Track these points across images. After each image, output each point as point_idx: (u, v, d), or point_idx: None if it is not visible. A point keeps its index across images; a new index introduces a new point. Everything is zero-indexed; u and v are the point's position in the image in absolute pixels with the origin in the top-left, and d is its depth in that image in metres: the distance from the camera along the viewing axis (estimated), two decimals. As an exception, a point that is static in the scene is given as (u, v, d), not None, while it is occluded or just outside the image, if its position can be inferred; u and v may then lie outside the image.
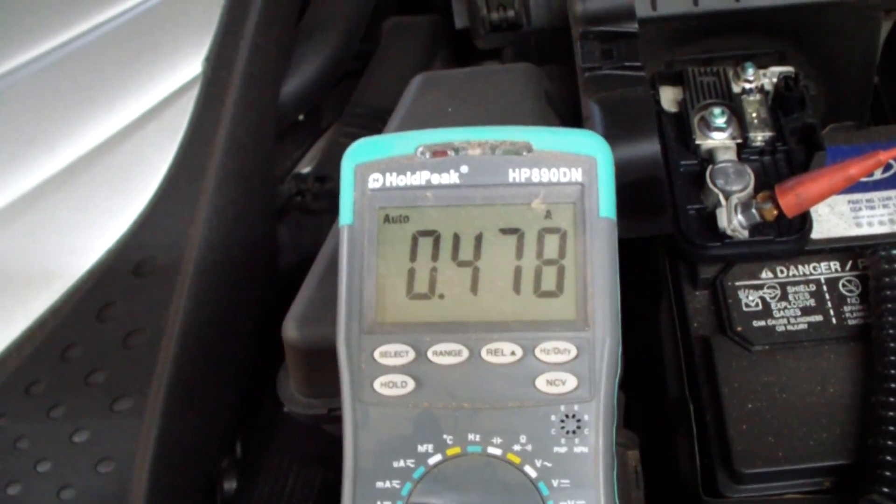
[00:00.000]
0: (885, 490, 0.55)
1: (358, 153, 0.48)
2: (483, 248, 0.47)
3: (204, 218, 0.65)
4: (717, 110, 0.68)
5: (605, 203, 0.46)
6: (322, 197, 0.83)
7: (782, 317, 0.64)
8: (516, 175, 0.46)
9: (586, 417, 0.44)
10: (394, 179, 0.47)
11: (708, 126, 0.68)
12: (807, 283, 0.65)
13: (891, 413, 0.57)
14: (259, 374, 0.73)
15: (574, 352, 0.45)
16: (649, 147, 0.61)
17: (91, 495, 0.59)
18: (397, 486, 0.45)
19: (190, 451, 0.65)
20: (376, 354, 0.46)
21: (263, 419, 0.77)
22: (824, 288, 0.65)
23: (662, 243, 0.70)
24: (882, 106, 0.93)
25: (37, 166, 0.67)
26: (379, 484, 0.45)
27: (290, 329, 0.59)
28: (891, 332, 0.60)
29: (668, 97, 0.72)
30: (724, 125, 0.67)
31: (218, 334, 0.66)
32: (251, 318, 0.72)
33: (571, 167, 0.46)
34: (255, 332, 0.73)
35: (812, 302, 0.64)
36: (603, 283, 0.45)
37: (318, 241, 0.65)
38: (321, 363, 0.57)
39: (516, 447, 0.44)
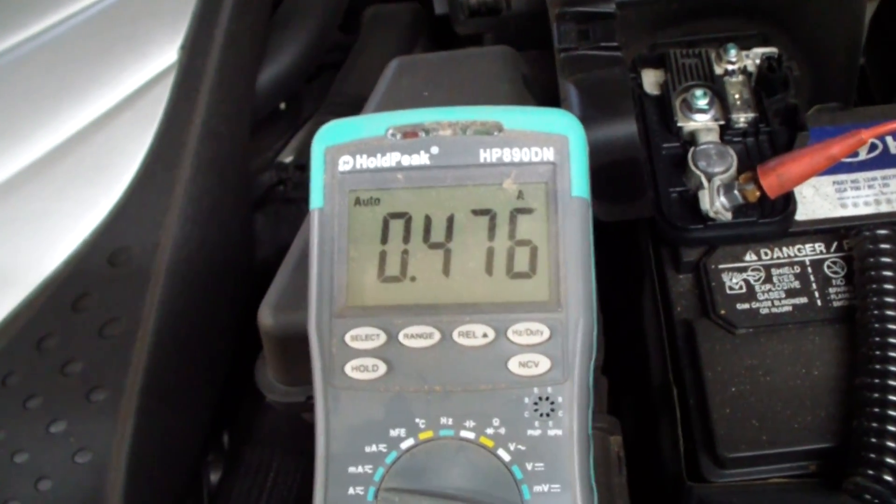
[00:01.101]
0: (870, 472, 0.54)
1: (328, 136, 0.47)
2: (455, 229, 0.46)
3: (179, 207, 0.65)
4: (699, 92, 0.67)
5: (578, 182, 0.45)
6: (302, 186, 0.83)
7: (766, 299, 0.63)
8: (487, 155, 0.46)
9: (560, 400, 0.44)
10: (364, 161, 0.47)
11: (690, 108, 0.67)
12: (791, 265, 0.65)
13: (875, 395, 0.56)
14: (241, 365, 0.72)
15: (547, 333, 0.44)
16: (626, 128, 0.61)
17: (69, 486, 0.59)
18: (370, 471, 0.45)
19: (168, 441, 0.65)
20: (347, 338, 0.45)
21: (246, 410, 0.77)
22: (809, 270, 0.64)
23: (645, 226, 0.70)
24: (869, 87, 0.93)
25: (10, 157, 0.67)
26: (351, 469, 0.45)
27: (266, 316, 0.59)
28: (875, 313, 0.59)
29: (651, 80, 0.71)
30: (706, 107, 0.67)
31: (195, 324, 0.66)
32: (228, 308, 0.72)
33: (543, 146, 0.46)
34: (233, 321, 0.72)
35: (797, 284, 0.64)
36: (576, 263, 0.45)
37: (298, 230, 0.65)
38: (297, 350, 0.55)
39: (489, 430, 0.44)
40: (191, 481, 0.71)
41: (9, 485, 0.59)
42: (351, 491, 0.44)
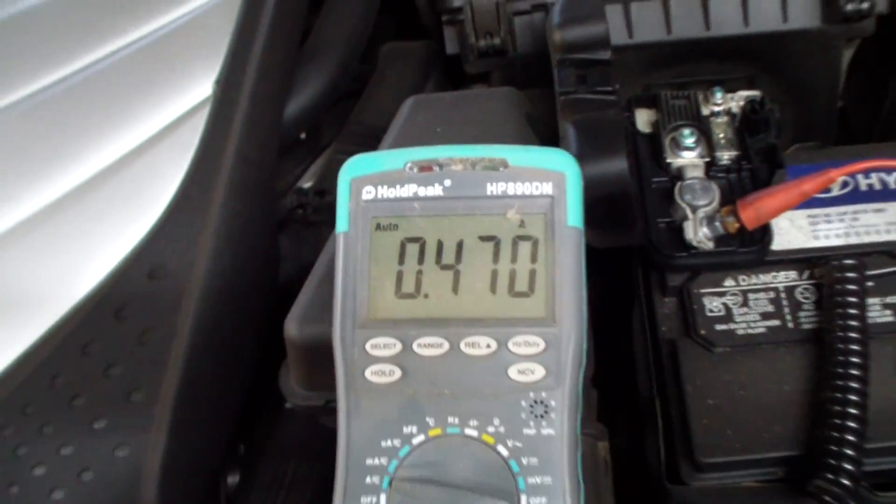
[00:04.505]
0: (829, 476, 0.57)
1: (353, 168, 0.51)
2: (463, 253, 0.50)
3: (213, 227, 0.68)
4: (686, 131, 0.70)
5: (573, 214, 0.49)
6: (321, 210, 0.85)
7: (743, 321, 0.66)
8: (494, 188, 0.50)
9: (553, 403, 0.48)
10: (385, 192, 0.50)
11: (678, 146, 0.70)
12: (766, 290, 0.67)
13: (836, 408, 0.59)
14: (261, 374, 0.75)
15: (543, 345, 0.48)
16: (618, 164, 0.63)
17: (108, 477, 0.62)
18: (385, 463, 0.48)
19: (197, 440, 0.67)
20: (367, 347, 0.49)
21: (265, 416, 0.80)
22: (782, 295, 0.67)
23: (637, 253, 0.72)
24: (851, 126, 0.96)
25: (59, 180, 0.70)
26: (369, 461, 0.48)
27: (291, 327, 0.62)
28: (839, 335, 0.62)
29: (643, 119, 0.74)
30: (693, 145, 0.70)
31: (224, 333, 0.69)
32: (254, 320, 0.75)
33: (543, 182, 0.50)
34: (258, 332, 0.75)
35: (771, 308, 0.66)
36: (570, 285, 0.49)
37: (317, 251, 0.68)
38: (319, 359, 0.60)
39: (490, 429, 0.48)
40: (212, 487, 0.74)
41: (55, 475, 0.62)
42: (368, 480, 0.48)
